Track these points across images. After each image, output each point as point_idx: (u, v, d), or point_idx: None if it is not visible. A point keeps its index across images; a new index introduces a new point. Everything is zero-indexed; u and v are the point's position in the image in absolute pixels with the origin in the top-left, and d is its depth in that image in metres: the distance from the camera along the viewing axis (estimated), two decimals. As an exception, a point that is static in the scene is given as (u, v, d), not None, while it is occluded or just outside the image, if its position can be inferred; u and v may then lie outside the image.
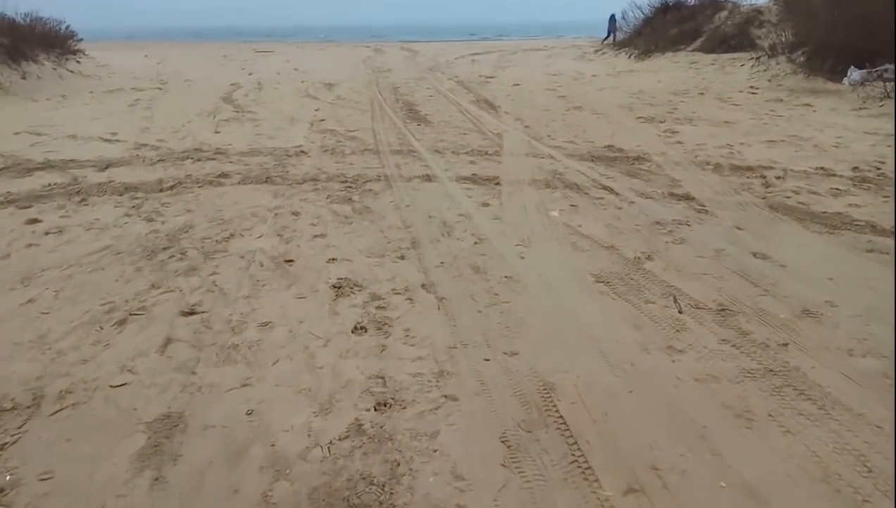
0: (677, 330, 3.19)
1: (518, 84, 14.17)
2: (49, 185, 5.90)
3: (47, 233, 4.68)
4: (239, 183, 6.00)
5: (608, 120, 9.40)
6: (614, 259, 4.13)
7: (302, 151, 7.36)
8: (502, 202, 5.36)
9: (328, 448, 2.34)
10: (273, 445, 2.37)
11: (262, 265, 4.08)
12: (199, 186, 5.87)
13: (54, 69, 14.90)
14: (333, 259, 4.19)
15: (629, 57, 18.77)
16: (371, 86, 14.11)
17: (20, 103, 11.39)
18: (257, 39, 40.64)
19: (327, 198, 5.53)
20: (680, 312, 3.37)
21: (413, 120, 9.52)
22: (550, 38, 39.07)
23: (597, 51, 22.29)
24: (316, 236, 4.61)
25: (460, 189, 5.75)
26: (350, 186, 5.88)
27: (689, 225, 4.73)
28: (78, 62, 16.41)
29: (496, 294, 3.64)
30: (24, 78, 13.47)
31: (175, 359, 2.99)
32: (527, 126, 8.93)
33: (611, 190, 5.67)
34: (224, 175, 6.24)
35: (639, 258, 4.12)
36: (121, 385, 2.78)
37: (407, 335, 3.19)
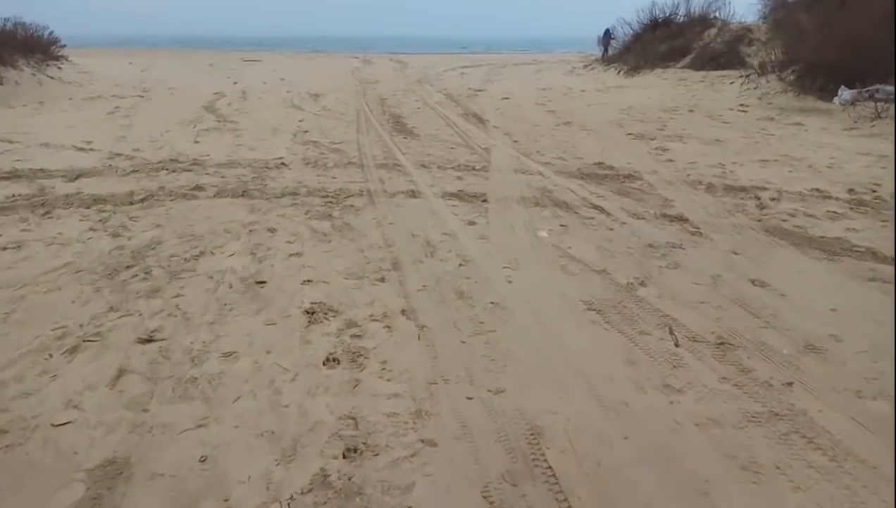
0: (674, 366, 2.96)
1: (507, 98, 14.02)
2: (13, 196, 5.59)
3: (4, 248, 4.38)
4: (214, 196, 5.73)
5: (598, 136, 9.23)
6: (606, 285, 3.91)
7: (283, 164, 7.10)
8: (489, 221, 5.13)
9: (288, 504, 2.08)
10: (227, 500, 2.10)
11: (231, 287, 3.82)
12: (172, 200, 5.59)
13: (34, 75, 14.53)
14: (309, 281, 3.94)
15: (618, 73, 18.70)
16: (358, 97, 13.89)
17: (-5, 109, 11.04)
18: (246, 48, 40.24)
19: (306, 214, 5.27)
20: (676, 345, 3.15)
21: (399, 133, 9.30)
22: (539, 53, 39.13)
23: (586, 66, 22.25)
24: (291, 255, 4.36)
25: (446, 206, 5.52)
26: (331, 202, 5.63)
27: (683, 248, 4.53)
28: (59, 68, 16.03)
29: (481, 322, 3.40)
30: (1, 84, 13.11)
31: (126, 394, 2.72)
32: (515, 141, 8.74)
33: (602, 209, 5.47)
34: (199, 187, 5.97)
35: (632, 284, 3.91)
36: (64, 424, 2.52)
37: (383, 369, 2.94)
